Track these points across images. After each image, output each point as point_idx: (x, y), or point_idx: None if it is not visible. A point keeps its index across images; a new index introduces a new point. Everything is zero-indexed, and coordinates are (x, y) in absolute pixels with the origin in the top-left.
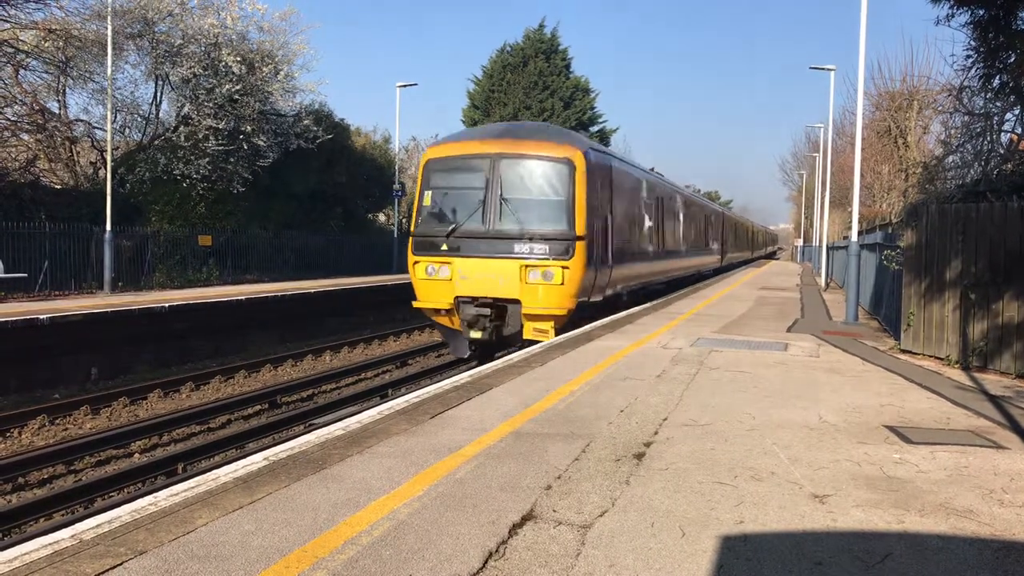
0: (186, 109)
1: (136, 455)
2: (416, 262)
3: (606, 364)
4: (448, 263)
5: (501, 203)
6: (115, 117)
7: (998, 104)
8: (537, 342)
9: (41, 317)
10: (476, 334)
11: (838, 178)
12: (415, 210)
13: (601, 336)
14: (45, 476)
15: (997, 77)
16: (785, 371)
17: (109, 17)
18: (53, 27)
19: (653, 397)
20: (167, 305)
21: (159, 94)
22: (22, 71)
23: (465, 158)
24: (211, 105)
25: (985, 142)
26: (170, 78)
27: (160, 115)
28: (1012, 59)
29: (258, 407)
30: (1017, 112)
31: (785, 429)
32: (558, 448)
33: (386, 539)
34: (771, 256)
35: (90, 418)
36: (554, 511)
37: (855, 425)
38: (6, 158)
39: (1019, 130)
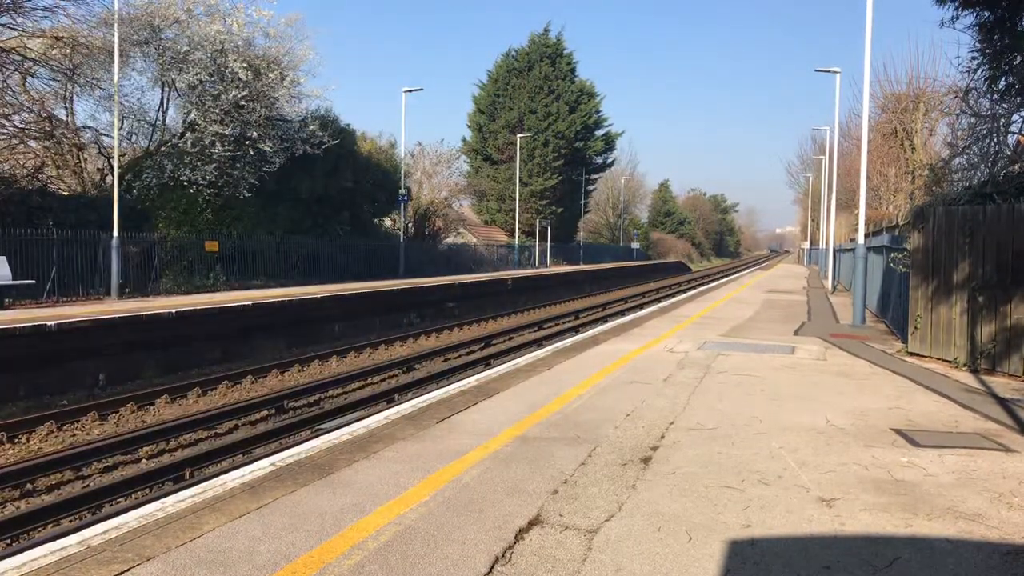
0: (192, 115)
1: (144, 461)
2: None
3: (612, 368)
4: None
5: None
6: (122, 124)
7: (1004, 106)
8: None
9: (49, 323)
10: None
11: (844, 181)
12: None
13: (607, 340)
14: (53, 482)
15: (1003, 78)
16: (792, 374)
17: (116, 24)
18: (60, 35)
19: (659, 401)
20: (174, 311)
21: (165, 100)
22: (29, 79)
23: None
24: (217, 111)
25: (992, 144)
26: (176, 84)
27: (167, 122)
28: (1018, 60)
29: (265, 412)
30: None
31: (792, 433)
32: (564, 452)
33: (393, 544)
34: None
35: (98, 424)
36: (561, 516)
37: (862, 428)
38: (14, 165)
39: None
